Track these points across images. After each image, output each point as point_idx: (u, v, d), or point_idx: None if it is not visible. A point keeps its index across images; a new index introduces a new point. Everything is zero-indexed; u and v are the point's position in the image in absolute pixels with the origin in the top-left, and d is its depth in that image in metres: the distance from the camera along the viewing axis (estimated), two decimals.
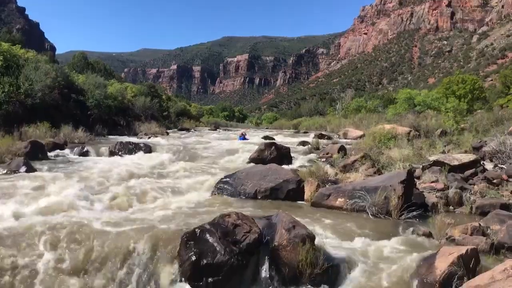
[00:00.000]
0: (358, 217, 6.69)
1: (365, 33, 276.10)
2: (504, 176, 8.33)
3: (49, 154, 12.57)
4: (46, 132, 15.99)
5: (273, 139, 21.18)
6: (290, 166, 11.23)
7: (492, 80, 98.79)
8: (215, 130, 38.63)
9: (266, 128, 51.44)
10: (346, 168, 10.27)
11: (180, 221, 5.77)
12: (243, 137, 21.90)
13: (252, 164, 11.25)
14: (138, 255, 4.65)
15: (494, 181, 8.27)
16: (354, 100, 48.14)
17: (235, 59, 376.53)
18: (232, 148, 15.52)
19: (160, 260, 4.60)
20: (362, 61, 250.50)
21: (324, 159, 12.53)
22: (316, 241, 4.81)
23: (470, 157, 9.43)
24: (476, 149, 11.62)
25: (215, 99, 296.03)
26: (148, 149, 13.90)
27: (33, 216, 5.79)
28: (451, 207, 7.47)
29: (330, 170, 9.83)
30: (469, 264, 4.33)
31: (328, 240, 5.33)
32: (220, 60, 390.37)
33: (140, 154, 13.28)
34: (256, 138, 22.78)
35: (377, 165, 10.19)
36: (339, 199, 7.21)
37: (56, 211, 6.11)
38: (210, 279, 4.38)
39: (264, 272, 4.52)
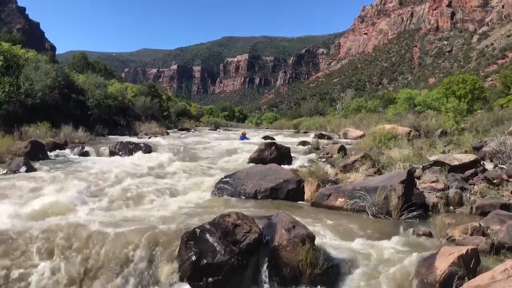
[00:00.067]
0: (358, 217, 6.68)
1: (365, 33, 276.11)
2: (504, 176, 8.33)
3: (49, 154, 12.57)
4: (46, 132, 15.99)
5: (273, 139, 21.16)
6: (290, 166, 11.23)
7: (492, 80, 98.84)
8: (215, 130, 38.62)
9: (266, 128, 51.42)
10: (346, 168, 10.27)
11: (180, 221, 5.76)
12: (243, 137, 21.85)
13: (252, 164, 11.25)
14: (138, 255, 4.64)
15: (494, 181, 8.27)
16: (354, 100, 48.14)
17: (235, 59, 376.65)
18: (232, 148, 15.52)
19: (160, 260, 4.60)
20: (362, 61, 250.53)
21: (324, 159, 12.53)
22: (316, 241, 4.81)
23: (470, 157, 9.43)
24: (476, 149, 11.61)
25: (215, 99, 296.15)
26: (148, 149, 13.90)
27: (30, 217, 5.72)
28: (451, 207, 7.47)
29: (330, 170, 9.83)
30: (470, 264, 4.33)
31: (328, 240, 5.32)
32: (220, 60, 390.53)
33: (140, 154, 13.26)
34: (256, 138, 22.76)
35: (377, 165, 10.19)
36: (339, 199, 7.21)
37: (54, 212, 6.08)
38: (210, 279, 4.38)
39: (264, 272, 4.52)
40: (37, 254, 4.70)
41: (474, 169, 9.01)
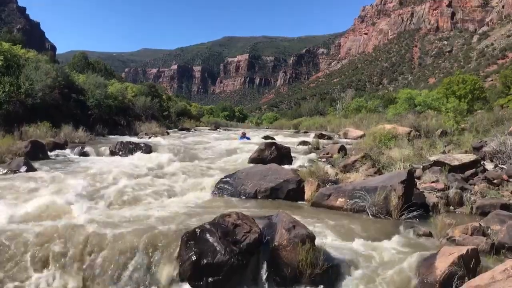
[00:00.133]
0: (359, 217, 6.68)
1: (366, 33, 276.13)
2: (505, 176, 8.33)
3: (49, 154, 12.57)
4: (46, 132, 15.99)
5: (274, 139, 21.16)
6: (291, 166, 11.22)
7: (492, 80, 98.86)
8: (216, 130, 38.61)
9: (267, 128, 51.39)
10: (346, 168, 10.27)
11: (180, 221, 5.76)
12: (243, 136, 21.81)
13: (252, 164, 11.25)
14: (138, 256, 4.64)
15: (495, 181, 8.27)
16: (355, 100, 48.13)
17: (236, 59, 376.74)
18: (232, 148, 15.52)
19: (160, 260, 4.60)
20: (363, 61, 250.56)
21: (324, 159, 12.54)
22: (316, 241, 4.81)
23: (470, 157, 9.43)
24: (476, 149, 11.61)
25: (216, 99, 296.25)
26: (149, 149, 13.89)
27: (26, 219, 5.61)
28: (451, 207, 7.47)
29: (330, 170, 9.82)
30: (470, 264, 4.33)
31: (328, 240, 5.33)
32: (221, 60, 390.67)
33: (141, 154, 13.26)
34: (256, 138, 22.75)
35: (377, 165, 10.19)
36: (340, 199, 7.21)
37: (51, 214, 6.01)
38: (210, 279, 4.38)
39: (264, 272, 4.52)
40: (31, 264, 4.61)
41: (474, 169, 9.01)
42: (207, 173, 10.17)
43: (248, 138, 21.41)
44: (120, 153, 13.46)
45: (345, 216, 6.75)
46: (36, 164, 10.15)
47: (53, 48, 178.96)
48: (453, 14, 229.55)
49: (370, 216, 6.67)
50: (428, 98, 31.40)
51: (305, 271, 4.48)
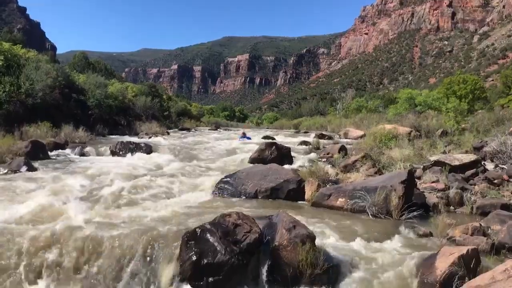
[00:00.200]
0: (359, 217, 6.68)
1: (366, 33, 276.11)
2: (505, 176, 8.33)
3: (50, 153, 12.57)
4: (47, 132, 16.00)
5: (274, 139, 21.17)
6: (291, 166, 11.22)
7: (493, 80, 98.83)
8: (216, 130, 38.60)
9: (267, 128, 51.39)
10: (346, 168, 10.27)
11: (181, 221, 5.76)
12: (244, 136, 21.79)
13: (252, 164, 11.25)
14: (138, 256, 4.65)
15: (495, 181, 8.27)
16: (355, 100, 48.14)
17: (236, 59, 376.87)
18: (232, 148, 15.53)
19: (160, 260, 4.61)
20: (363, 61, 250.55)
21: (324, 159, 12.54)
22: (317, 241, 4.81)
23: (471, 157, 9.42)
24: (477, 149, 11.60)
25: (216, 99, 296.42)
26: (149, 149, 13.90)
27: (23, 222, 5.54)
28: (451, 207, 7.47)
29: (330, 170, 9.83)
30: (470, 264, 4.33)
31: (329, 240, 5.33)
32: (221, 60, 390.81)
33: (141, 154, 13.27)
34: (256, 138, 22.75)
35: (378, 165, 10.18)
36: (340, 199, 7.20)
37: (50, 214, 5.95)
38: (210, 279, 4.38)
39: (265, 272, 4.52)
40: (25, 276, 4.54)
41: (474, 169, 9.00)
42: (207, 173, 10.18)
43: (248, 138, 21.40)
44: (121, 153, 13.46)
45: (345, 216, 6.75)
46: (36, 164, 10.16)
47: (53, 48, 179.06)
48: (453, 14, 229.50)
49: (370, 216, 6.67)
50: (428, 98, 31.38)
51: (306, 271, 4.48)
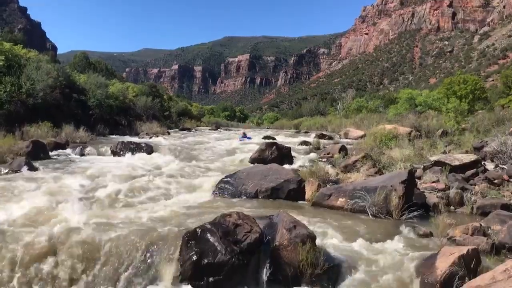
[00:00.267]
0: (359, 217, 6.69)
1: (366, 33, 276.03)
2: (505, 177, 8.33)
3: (50, 153, 12.59)
4: (47, 132, 16.01)
5: (274, 139, 21.17)
6: (291, 166, 11.23)
7: (493, 80, 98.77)
8: (216, 130, 38.61)
9: (267, 128, 51.39)
10: (347, 168, 10.27)
11: (181, 221, 5.77)
12: (244, 136, 21.79)
13: (253, 164, 11.26)
14: (138, 256, 4.65)
15: (495, 181, 8.27)
16: (355, 100, 48.13)
17: (236, 59, 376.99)
18: (232, 148, 15.55)
19: (161, 261, 4.61)
20: (363, 61, 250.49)
21: (325, 159, 12.55)
22: (317, 241, 4.82)
23: (471, 157, 9.43)
24: (477, 149, 11.60)
25: (216, 99, 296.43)
26: (150, 149, 13.91)
27: (19, 224, 5.40)
28: (452, 207, 7.48)
29: (331, 170, 9.84)
30: (470, 265, 4.33)
31: (329, 240, 5.34)
32: (221, 60, 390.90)
33: (142, 154, 13.28)
34: (257, 138, 22.76)
35: (378, 165, 10.19)
36: (340, 199, 7.21)
37: (49, 215, 5.83)
38: (211, 279, 4.39)
39: (265, 271, 4.53)
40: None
41: (475, 169, 9.01)
42: (207, 173, 10.19)
43: (248, 138, 21.40)
44: (121, 153, 13.47)
45: (345, 216, 6.76)
46: (37, 164, 10.17)
47: (54, 48, 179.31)
48: (454, 14, 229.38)
49: (370, 216, 6.68)
50: (429, 98, 31.36)
51: (306, 271, 4.48)
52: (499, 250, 5.16)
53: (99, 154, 13.80)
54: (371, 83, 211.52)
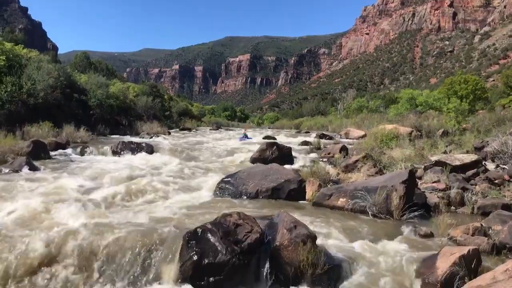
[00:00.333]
0: (360, 217, 6.69)
1: (367, 33, 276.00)
2: (506, 177, 8.33)
3: (51, 153, 12.59)
4: (48, 132, 16.01)
5: (275, 139, 21.18)
6: (292, 166, 11.24)
7: (494, 80, 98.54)
8: (217, 130, 38.62)
9: (268, 128, 51.42)
10: (347, 168, 10.27)
11: (181, 221, 5.77)
12: (244, 136, 21.78)
13: (253, 164, 11.26)
14: (138, 256, 4.64)
15: (496, 181, 8.27)
16: (356, 100, 48.17)
17: (237, 59, 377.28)
18: (233, 148, 15.54)
19: (161, 261, 4.60)
20: (364, 61, 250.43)
21: (325, 159, 12.55)
22: (318, 241, 4.81)
23: (471, 157, 9.43)
24: (477, 149, 11.60)
25: (217, 99, 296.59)
26: (150, 149, 13.91)
27: (17, 224, 5.29)
28: (452, 208, 7.48)
29: (331, 170, 9.84)
30: (471, 265, 4.33)
31: (330, 240, 5.34)
32: (222, 60, 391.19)
33: (142, 154, 13.29)
34: (257, 138, 22.76)
35: (378, 165, 10.19)
36: (341, 199, 7.21)
37: (48, 217, 5.73)
38: (211, 279, 4.38)
39: (266, 272, 4.52)
40: None
41: (475, 169, 9.01)
42: (208, 173, 10.18)
43: (249, 138, 21.40)
44: (122, 153, 13.48)
45: (346, 216, 6.76)
46: (38, 164, 10.17)
47: (55, 48, 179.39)
48: (454, 14, 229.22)
49: (371, 216, 6.67)
50: (429, 98, 31.39)
51: (307, 271, 4.48)
52: (499, 250, 5.16)
53: (99, 154, 13.80)
54: (372, 83, 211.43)
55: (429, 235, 5.79)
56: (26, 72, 19.23)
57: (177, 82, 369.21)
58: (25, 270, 4.33)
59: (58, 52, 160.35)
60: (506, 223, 5.59)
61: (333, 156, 12.54)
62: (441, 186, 8.24)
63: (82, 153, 13.51)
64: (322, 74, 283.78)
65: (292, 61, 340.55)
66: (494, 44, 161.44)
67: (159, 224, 5.49)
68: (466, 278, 4.18)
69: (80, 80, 26.50)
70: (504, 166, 9.51)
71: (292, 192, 8.04)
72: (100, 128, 21.97)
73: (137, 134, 24.53)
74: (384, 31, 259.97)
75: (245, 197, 7.98)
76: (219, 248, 4.46)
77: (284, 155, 12.21)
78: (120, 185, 8.05)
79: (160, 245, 4.75)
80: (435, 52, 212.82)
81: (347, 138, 22.17)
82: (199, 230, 4.65)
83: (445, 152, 11.55)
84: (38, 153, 11.65)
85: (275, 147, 12.33)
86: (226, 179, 8.52)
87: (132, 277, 4.50)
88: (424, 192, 7.81)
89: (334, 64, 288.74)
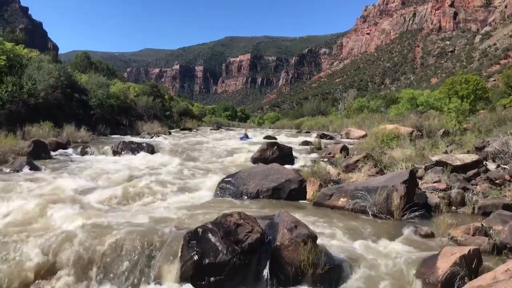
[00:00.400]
0: (361, 217, 6.68)
1: (368, 33, 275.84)
2: (507, 177, 8.32)
3: (52, 153, 12.60)
4: (49, 132, 16.02)
5: (275, 138, 21.19)
6: (292, 166, 11.24)
7: (495, 80, 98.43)
8: (218, 130, 38.60)
9: (269, 128, 51.44)
10: (348, 168, 10.27)
11: (182, 221, 5.77)
12: (245, 136, 21.78)
13: (254, 164, 11.26)
14: (139, 256, 4.64)
15: (497, 181, 8.27)
16: (357, 100, 48.18)
17: (238, 59, 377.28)
18: (234, 148, 15.54)
19: (162, 261, 4.60)
20: (365, 61, 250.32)
21: (326, 159, 12.55)
22: (318, 241, 4.81)
23: (472, 157, 9.42)
24: (478, 149, 11.59)
25: (218, 99, 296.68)
26: (151, 148, 13.92)
27: (13, 228, 5.05)
28: (453, 208, 7.47)
29: (332, 170, 9.84)
30: (471, 265, 4.33)
31: (330, 240, 5.34)
32: (223, 60, 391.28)
33: (143, 153, 13.30)
34: (258, 137, 22.75)
35: (379, 165, 10.19)
36: (341, 199, 7.21)
37: (46, 219, 5.64)
38: (212, 279, 4.38)
39: (266, 271, 4.52)
40: None
41: (476, 169, 9.00)
42: (209, 173, 10.18)
43: (250, 138, 21.40)
44: (123, 152, 13.49)
45: (347, 216, 6.75)
46: (38, 164, 10.18)
47: (56, 48, 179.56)
48: (455, 14, 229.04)
49: (372, 216, 6.67)
50: (430, 98, 31.39)
51: (307, 271, 4.48)
52: (500, 250, 5.15)
53: (100, 154, 13.82)
54: (373, 83, 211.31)
55: (430, 235, 5.78)
56: (26, 72, 19.25)
57: (178, 82, 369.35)
58: (20, 282, 4.15)
59: (59, 52, 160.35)
60: (507, 223, 5.59)
61: (333, 156, 12.54)
62: (442, 186, 8.24)
63: (82, 153, 13.52)
64: (322, 74, 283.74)
65: (293, 61, 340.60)
66: (495, 44, 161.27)
67: (160, 224, 5.48)
68: (466, 278, 4.18)
69: (81, 80, 26.52)
70: (505, 166, 9.50)
71: (293, 192, 8.04)
72: (100, 128, 21.99)
73: (137, 134, 24.54)
74: (385, 31, 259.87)
75: (245, 197, 7.98)
76: (219, 248, 4.46)
77: (285, 155, 12.21)
78: (121, 186, 8.06)
79: (161, 246, 4.75)
80: (436, 52, 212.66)
81: (347, 138, 22.17)
82: (200, 230, 4.65)
83: (446, 152, 11.54)
84: (39, 153, 11.66)
85: (275, 147, 12.33)
86: (226, 179, 8.52)
87: (132, 277, 4.50)
88: (424, 192, 7.81)
89: (335, 64, 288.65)
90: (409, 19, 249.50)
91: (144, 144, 14.29)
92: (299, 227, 4.86)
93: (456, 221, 6.10)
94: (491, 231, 5.63)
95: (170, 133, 26.97)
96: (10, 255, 4.36)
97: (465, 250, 4.46)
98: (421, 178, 9.08)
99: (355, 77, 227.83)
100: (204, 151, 14.60)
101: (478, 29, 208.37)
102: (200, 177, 9.76)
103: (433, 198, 7.51)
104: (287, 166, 10.23)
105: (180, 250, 4.57)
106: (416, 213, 6.56)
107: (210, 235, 4.59)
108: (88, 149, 13.90)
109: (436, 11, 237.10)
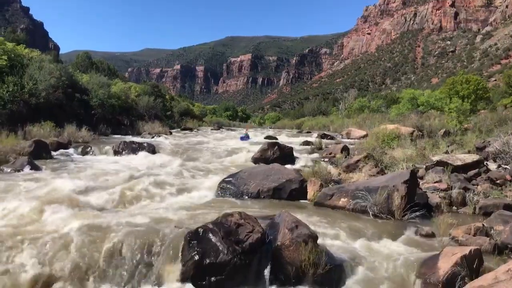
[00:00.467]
0: (361, 217, 6.68)
1: (369, 33, 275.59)
2: (508, 177, 8.31)
3: (53, 153, 12.62)
4: (50, 132, 16.04)
5: (276, 138, 21.20)
6: (293, 166, 11.24)
7: (495, 80, 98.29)
8: (218, 130, 38.63)
9: (270, 128, 51.46)
10: (349, 168, 10.27)
11: (183, 221, 5.77)
12: (245, 136, 21.78)
13: (255, 164, 11.27)
14: (140, 256, 4.65)
15: (498, 181, 8.26)
16: (357, 100, 48.15)
17: (238, 59, 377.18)
18: (234, 148, 15.54)
19: (163, 261, 4.60)
20: (365, 61, 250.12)
21: (327, 159, 12.55)
22: (319, 241, 4.81)
23: (473, 157, 9.42)
24: (479, 149, 11.58)
25: (218, 99, 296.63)
26: (152, 148, 13.93)
27: (10, 230, 5.00)
28: (454, 208, 7.47)
29: (333, 170, 9.84)
30: (472, 265, 4.32)
31: (331, 240, 5.33)
32: (223, 60, 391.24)
33: (144, 153, 13.31)
34: (259, 137, 22.75)
35: (380, 165, 10.18)
36: (342, 199, 7.21)
37: (45, 220, 5.58)
38: (213, 279, 4.39)
39: (267, 271, 4.52)
40: None
41: (477, 169, 9.00)
42: (209, 173, 10.19)
43: (250, 138, 21.40)
44: (124, 152, 13.50)
45: (348, 216, 6.75)
46: (39, 164, 10.19)
47: (57, 48, 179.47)
48: (456, 14, 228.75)
49: (372, 216, 6.67)
50: (431, 98, 31.37)
51: (308, 271, 4.48)
52: (501, 250, 5.15)
53: (101, 153, 13.83)
54: (373, 83, 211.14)
55: (431, 235, 5.78)
56: (28, 72, 19.27)
57: (179, 82, 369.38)
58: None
59: (60, 52, 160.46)
60: (508, 223, 5.58)
61: (334, 156, 12.54)
62: (443, 186, 8.23)
63: (83, 153, 13.53)
64: (323, 74, 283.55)
65: (294, 61, 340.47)
66: (496, 44, 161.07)
67: (160, 224, 5.48)
68: (467, 278, 4.17)
69: (82, 80, 26.55)
70: (506, 166, 9.49)
71: (294, 192, 8.05)
72: (101, 128, 22.01)
73: (138, 134, 24.56)
74: (385, 31, 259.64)
75: (246, 197, 7.99)
76: (220, 248, 4.46)
77: (286, 155, 12.21)
78: (121, 186, 8.04)
79: (162, 246, 4.75)
80: (436, 52, 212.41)
81: (348, 138, 22.16)
82: (201, 230, 4.66)
83: (446, 152, 11.53)
84: (40, 153, 11.68)
85: (276, 147, 12.33)
86: (227, 179, 8.52)
87: (132, 277, 4.50)
88: (425, 192, 7.80)
89: (335, 64, 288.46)
90: (410, 19, 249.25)
91: (145, 144, 14.30)
92: (300, 227, 4.86)
93: (457, 221, 6.10)
94: (492, 231, 5.62)
95: (171, 133, 26.99)
96: (5, 268, 4.27)
97: (466, 250, 4.45)
98: (422, 178, 9.08)
99: (356, 77, 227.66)
100: (205, 151, 14.61)
101: (479, 29, 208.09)
102: (200, 177, 9.76)
103: (434, 198, 7.50)
104: (288, 166, 10.23)
105: (180, 250, 4.58)
106: (417, 213, 6.55)
107: (211, 235, 4.59)
108: (89, 149, 13.91)
109: (437, 11, 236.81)
